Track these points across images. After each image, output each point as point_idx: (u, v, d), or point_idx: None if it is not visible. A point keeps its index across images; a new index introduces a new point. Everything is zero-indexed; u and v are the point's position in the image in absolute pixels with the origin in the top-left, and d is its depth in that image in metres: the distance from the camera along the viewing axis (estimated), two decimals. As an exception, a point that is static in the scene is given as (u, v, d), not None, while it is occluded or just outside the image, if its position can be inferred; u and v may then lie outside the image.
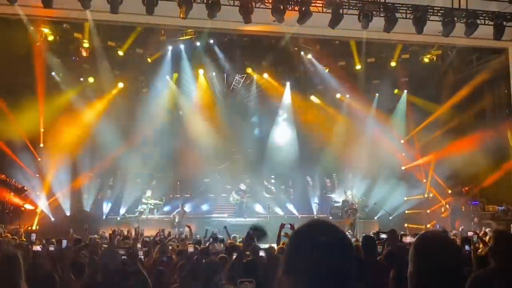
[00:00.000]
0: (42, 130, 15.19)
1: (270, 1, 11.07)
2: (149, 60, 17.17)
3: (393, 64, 17.15)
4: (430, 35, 12.53)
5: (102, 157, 16.13)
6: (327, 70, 17.80)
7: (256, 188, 17.43)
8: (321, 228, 1.49)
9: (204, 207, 17.63)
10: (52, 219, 14.90)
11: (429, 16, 11.55)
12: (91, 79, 16.54)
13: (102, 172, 16.96)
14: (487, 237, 8.14)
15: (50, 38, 14.98)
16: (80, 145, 15.35)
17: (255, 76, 18.49)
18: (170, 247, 8.07)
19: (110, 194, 17.21)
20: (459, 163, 14.99)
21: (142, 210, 15.97)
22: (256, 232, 5.31)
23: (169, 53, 17.03)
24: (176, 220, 14.82)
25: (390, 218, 15.62)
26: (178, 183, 18.08)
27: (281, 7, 10.93)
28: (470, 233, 8.25)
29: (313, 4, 11.19)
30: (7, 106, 13.85)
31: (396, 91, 18.43)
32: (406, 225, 14.57)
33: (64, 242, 6.96)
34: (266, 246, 7.09)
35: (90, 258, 6.18)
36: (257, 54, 17.51)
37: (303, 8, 10.96)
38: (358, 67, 17.19)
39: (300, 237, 1.49)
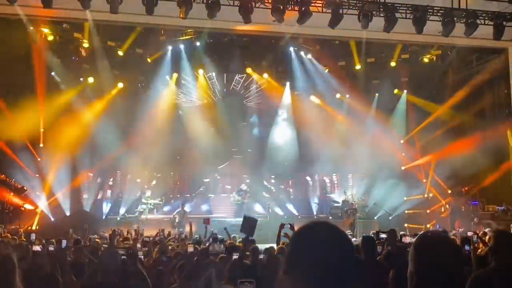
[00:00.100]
0: (42, 130, 15.18)
1: (270, 1, 11.07)
2: (149, 60, 17.17)
3: (393, 64, 17.15)
4: (430, 35, 12.53)
5: (102, 157, 16.14)
6: (327, 70, 17.80)
7: (256, 188, 17.44)
8: (321, 229, 1.49)
9: (204, 207, 17.64)
10: (52, 219, 14.90)
11: (429, 16, 11.55)
12: (91, 79, 16.53)
13: (102, 172, 16.99)
14: (487, 237, 8.15)
15: (50, 38, 14.96)
16: (80, 145, 15.34)
17: (255, 76, 18.49)
18: (170, 247, 8.08)
19: (110, 194, 17.23)
20: (459, 163, 14.98)
21: (142, 210, 15.98)
22: (247, 222, 5.31)
23: (169, 53, 17.02)
24: (177, 220, 14.82)
25: (390, 218, 15.62)
26: (178, 183, 18.09)
27: (281, 7, 10.93)
28: (469, 233, 8.24)
29: (313, 4, 11.20)
30: (7, 106, 13.84)
31: (396, 91, 18.44)
32: (406, 225, 14.56)
33: (64, 242, 6.96)
34: (266, 246, 7.11)
35: (90, 258, 6.19)
36: (257, 54, 17.50)
37: (303, 8, 10.96)
38: (358, 67, 17.18)
39: (300, 238, 1.49)
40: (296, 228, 6.18)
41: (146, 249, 7.92)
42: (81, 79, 16.61)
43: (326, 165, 17.88)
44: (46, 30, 14.77)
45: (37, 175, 15.08)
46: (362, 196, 17.54)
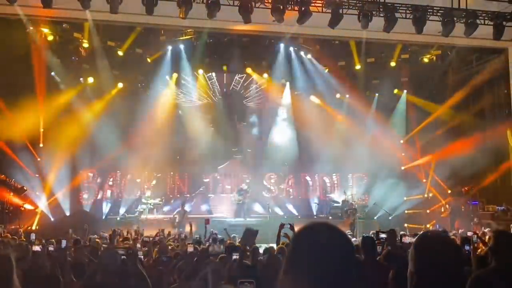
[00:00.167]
0: (41, 130, 15.19)
1: (269, 1, 11.07)
2: (148, 60, 17.16)
3: (392, 64, 17.14)
4: (429, 35, 12.53)
5: (101, 157, 16.14)
6: (327, 70, 17.80)
7: (256, 188, 17.43)
8: (322, 229, 1.49)
9: (204, 207, 17.64)
10: (52, 219, 14.90)
11: (428, 16, 11.56)
12: (90, 79, 16.52)
13: (102, 172, 16.97)
14: (486, 237, 8.15)
15: (50, 38, 14.95)
16: (80, 145, 15.35)
17: (255, 76, 18.48)
18: (170, 247, 8.09)
19: (110, 194, 17.22)
20: (459, 163, 14.98)
21: (142, 210, 15.97)
22: (249, 233, 5.32)
23: (168, 53, 17.01)
24: (177, 220, 14.81)
25: (390, 218, 15.62)
26: (178, 183, 18.09)
27: (281, 7, 10.94)
28: (469, 233, 8.24)
29: (313, 4, 11.20)
30: (7, 106, 13.83)
31: (396, 91, 18.44)
32: (406, 225, 14.56)
33: (64, 242, 6.95)
34: (265, 246, 7.11)
35: (90, 258, 6.19)
36: (257, 54, 17.50)
37: (303, 8, 10.96)
38: (358, 67, 17.18)
39: (301, 239, 1.50)
40: (296, 228, 6.19)
41: (146, 249, 7.93)
42: (81, 79, 16.60)
43: (326, 165, 17.87)
44: (46, 30, 14.76)
45: (37, 175, 15.08)
46: (362, 196, 17.54)
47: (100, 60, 15.61)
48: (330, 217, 16.62)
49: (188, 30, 16.08)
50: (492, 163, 14.90)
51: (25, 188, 14.50)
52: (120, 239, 9.97)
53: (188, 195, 17.74)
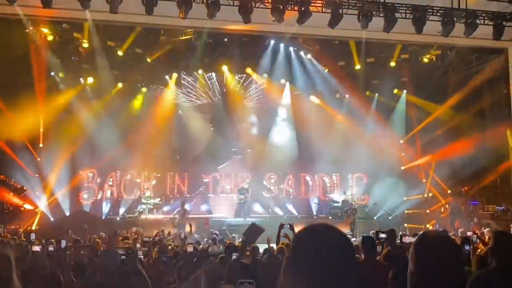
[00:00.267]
0: (41, 130, 15.19)
1: (269, 1, 11.06)
2: (148, 60, 17.16)
3: (392, 64, 17.14)
4: (429, 35, 12.52)
5: (101, 157, 16.13)
6: (326, 70, 17.80)
7: (256, 188, 17.43)
8: (322, 230, 1.49)
9: (204, 207, 17.64)
10: (52, 219, 14.90)
11: (428, 16, 11.55)
12: (90, 79, 16.53)
13: (101, 172, 16.96)
14: (486, 237, 8.15)
15: (50, 38, 14.95)
16: (80, 145, 15.36)
17: (255, 76, 18.48)
18: (169, 247, 8.09)
19: (109, 194, 17.22)
20: (459, 163, 14.99)
21: (141, 210, 15.96)
22: (253, 229, 5.30)
23: (168, 53, 17.01)
24: (177, 220, 14.81)
25: (390, 218, 15.62)
26: (178, 183, 18.09)
27: (281, 7, 10.93)
28: (469, 233, 8.25)
29: (313, 4, 11.19)
30: (7, 106, 13.84)
31: (395, 91, 18.43)
32: (405, 225, 14.56)
33: (63, 242, 6.95)
34: (265, 246, 7.10)
35: (89, 258, 6.19)
36: (257, 54, 17.50)
37: (303, 8, 10.96)
38: (358, 67, 17.18)
39: (301, 240, 1.50)
40: (296, 228, 6.18)
41: (146, 249, 7.92)
42: (81, 79, 16.59)
43: (326, 165, 17.87)
44: (45, 30, 14.76)
45: (37, 175, 15.09)
46: (362, 196, 17.53)
47: (100, 60, 15.60)
48: (330, 217, 16.62)
49: (188, 30, 16.07)
50: (492, 163, 14.91)
51: (25, 188, 14.51)
52: (120, 239, 9.97)
53: (188, 195, 17.72)
